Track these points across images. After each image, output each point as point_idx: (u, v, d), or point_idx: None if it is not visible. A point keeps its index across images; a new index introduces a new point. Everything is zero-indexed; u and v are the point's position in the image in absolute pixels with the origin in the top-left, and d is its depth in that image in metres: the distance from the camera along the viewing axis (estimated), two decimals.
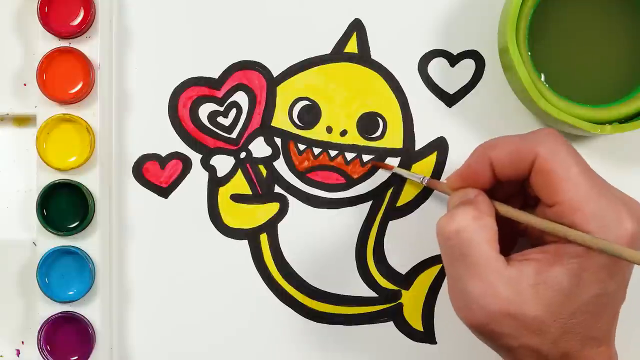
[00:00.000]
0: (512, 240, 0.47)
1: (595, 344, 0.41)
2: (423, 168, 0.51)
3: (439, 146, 0.51)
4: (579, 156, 0.42)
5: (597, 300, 0.40)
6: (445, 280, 0.49)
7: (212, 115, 0.51)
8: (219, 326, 0.51)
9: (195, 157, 0.51)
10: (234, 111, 0.51)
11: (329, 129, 0.51)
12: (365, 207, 0.51)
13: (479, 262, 0.41)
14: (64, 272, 0.49)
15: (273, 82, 0.51)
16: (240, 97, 0.51)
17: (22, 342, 0.52)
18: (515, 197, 0.46)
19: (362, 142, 0.51)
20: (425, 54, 0.51)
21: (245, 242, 0.51)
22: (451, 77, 0.51)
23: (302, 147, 0.51)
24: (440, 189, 0.48)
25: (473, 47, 0.51)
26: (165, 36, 0.51)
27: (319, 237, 0.51)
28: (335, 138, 0.51)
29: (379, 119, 0.51)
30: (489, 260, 0.41)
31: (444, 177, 0.51)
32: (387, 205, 0.51)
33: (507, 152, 0.42)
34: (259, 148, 0.51)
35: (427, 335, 0.51)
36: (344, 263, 0.51)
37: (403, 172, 0.50)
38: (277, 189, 0.51)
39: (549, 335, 0.40)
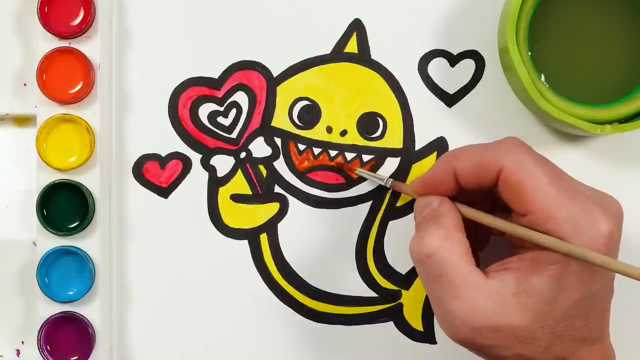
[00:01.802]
0: (484, 239, 0.47)
1: (588, 344, 0.41)
2: (423, 168, 0.51)
3: (439, 146, 0.51)
4: (546, 163, 0.41)
5: (583, 303, 0.40)
6: None
7: (212, 115, 0.51)
8: (218, 326, 0.51)
9: (195, 157, 0.51)
10: (234, 111, 0.51)
11: (329, 129, 0.51)
12: (365, 207, 0.51)
13: (456, 281, 0.40)
14: (64, 272, 0.49)
15: (273, 82, 0.51)
16: (240, 97, 0.51)
17: (22, 342, 0.52)
18: (483, 200, 0.45)
19: (362, 142, 0.51)
20: (425, 54, 0.51)
21: (245, 242, 0.51)
22: (451, 77, 0.51)
23: (302, 147, 0.51)
24: (404, 191, 0.47)
25: (473, 47, 0.51)
26: (165, 36, 0.51)
27: (319, 237, 0.51)
28: (335, 138, 0.51)
29: (379, 119, 0.51)
30: (465, 277, 0.40)
31: None
32: (387, 205, 0.51)
33: (471, 163, 0.42)
34: (259, 148, 0.51)
35: (427, 335, 0.51)
36: (344, 263, 0.51)
37: (366, 173, 0.50)
38: (277, 189, 0.51)
39: (539, 342, 0.40)
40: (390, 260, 0.51)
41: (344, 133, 0.51)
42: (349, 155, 0.51)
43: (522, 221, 0.41)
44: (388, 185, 0.49)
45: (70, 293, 0.49)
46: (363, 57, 0.51)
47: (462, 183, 0.43)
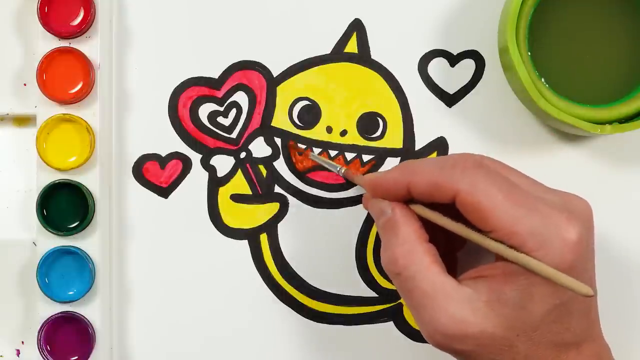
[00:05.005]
0: (460, 238, 0.46)
1: (574, 347, 0.41)
2: None
3: (439, 146, 0.51)
4: (501, 180, 0.40)
5: (557, 309, 0.40)
6: None
7: (212, 115, 0.51)
8: (218, 326, 0.51)
9: (195, 157, 0.51)
10: (234, 111, 0.51)
11: (329, 129, 0.51)
12: None
13: (428, 292, 0.40)
14: (64, 272, 0.49)
15: (273, 82, 0.51)
16: (240, 97, 0.51)
17: (22, 342, 0.52)
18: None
19: (362, 142, 0.51)
20: (425, 54, 0.51)
21: (245, 242, 0.51)
22: (451, 77, 0.51)
23: (302, 147, 0.51)
24: (357, 182, 0.47)
25: (473, 47, 0.51)
26: (165, 36, 0.51)
27: (319, 237, 0.51)
28: (335, 138, 0.51)
29: (379, 119, 0.51)
30: (436, 286, 0.40)
31: None
32: None
33: (426, 182, 0.41)
34: (259, 148, 0.51)
35: None
36: (344, 263, 0.51)
37: (319, 159, 0.50)
38: (277, 189, 0.51)
39: (517, 350, 0.40)
40: None
41: (344, 133, 0.51)
42: (349, 155, 0.51)
43: (489, 237, 0.40)
44: (341, 174, 0.49)
45: (70, 293, 0.49)
46: (363, 57, 0.51)
47: (416, 197, 0.42)
